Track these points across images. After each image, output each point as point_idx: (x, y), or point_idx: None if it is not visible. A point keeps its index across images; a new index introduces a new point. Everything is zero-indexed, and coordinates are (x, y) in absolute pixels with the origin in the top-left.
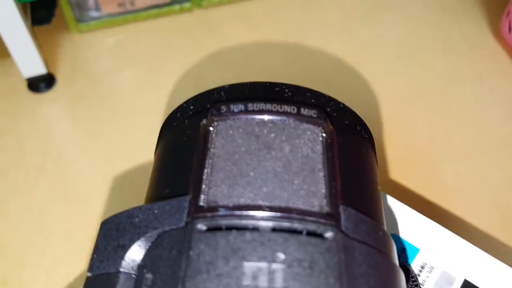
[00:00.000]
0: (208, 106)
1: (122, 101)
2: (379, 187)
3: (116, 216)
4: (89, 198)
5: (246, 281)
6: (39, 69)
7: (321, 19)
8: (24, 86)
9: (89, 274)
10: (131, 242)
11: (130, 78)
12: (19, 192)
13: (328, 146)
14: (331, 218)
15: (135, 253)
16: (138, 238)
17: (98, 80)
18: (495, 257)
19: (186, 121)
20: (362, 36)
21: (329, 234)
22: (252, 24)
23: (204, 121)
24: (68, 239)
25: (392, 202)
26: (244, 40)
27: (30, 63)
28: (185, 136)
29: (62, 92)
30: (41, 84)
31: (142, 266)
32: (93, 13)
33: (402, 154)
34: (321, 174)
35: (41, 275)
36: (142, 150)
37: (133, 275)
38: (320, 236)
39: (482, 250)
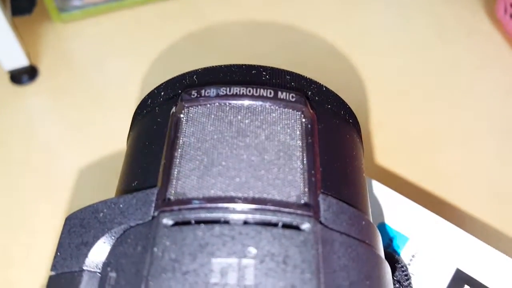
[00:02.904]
0: (179, 91)
1: (107, 92)
2: (364, 175)
3: (81, 211)
4: (75, 193)
5: (214, 279)
6: (21, 61)
7: (313, 3)
8: (6, 78)
9: (52, 273)
10: (95, 239)
11: (115, 69)
12: (3, 189)
13: (307, 132)
14: (309, 208)
15: (100, 251)
16: (103, 235)
17: (82, 71)
18: (491, 245)
19: (157, 108)
20: (355, 22)
21: (306, 226)
22: (240, 9)
23: (174, 108)
24: (54, 236)
25: (379, 187)
26: (233, 26)
27: (12, 55)
28: (155, 124)
29: (45, 84)
30: (23, 76)
31: (106, 264)
32: (76, 2)
33: (396, 141)
34: (299, 162)
35: (28, 273)
36: None
37: (98, 274)
38: (297, 228)
39: (476, 237)
